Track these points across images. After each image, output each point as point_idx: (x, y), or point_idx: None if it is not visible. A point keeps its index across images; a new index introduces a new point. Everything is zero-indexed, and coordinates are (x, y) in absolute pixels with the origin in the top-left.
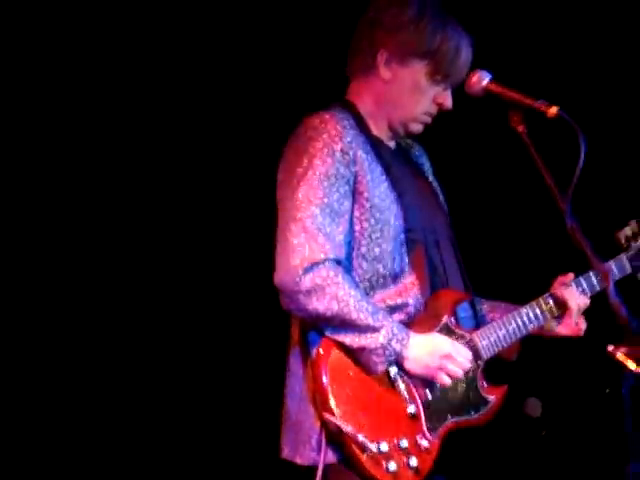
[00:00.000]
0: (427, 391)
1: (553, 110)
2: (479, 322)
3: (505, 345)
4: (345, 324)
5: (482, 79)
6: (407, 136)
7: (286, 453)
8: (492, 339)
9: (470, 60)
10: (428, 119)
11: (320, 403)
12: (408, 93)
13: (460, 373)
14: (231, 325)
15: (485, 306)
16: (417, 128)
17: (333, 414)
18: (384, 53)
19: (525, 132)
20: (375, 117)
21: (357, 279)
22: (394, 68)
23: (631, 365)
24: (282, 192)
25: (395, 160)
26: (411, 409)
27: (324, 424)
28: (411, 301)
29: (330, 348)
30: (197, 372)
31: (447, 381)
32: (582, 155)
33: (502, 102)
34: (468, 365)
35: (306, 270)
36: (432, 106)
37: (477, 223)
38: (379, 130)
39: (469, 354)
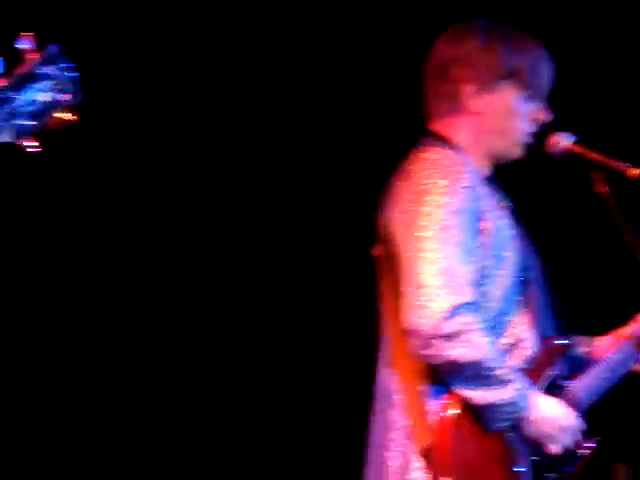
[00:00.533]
0: (535, 452)
1: (635, 172)
2: (576, 364)
3: (606, 390)
4: (478, 375)
5: (562, 140)
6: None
7: None
8: (594, 387)
9: (551, 67)
10: (529, 139)
11: (440, 464)
12: (505, 118)
13: (571, 446)
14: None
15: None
16: (519, 152)
17: (452, 477)
18: (467, 87)
19: (608, 193)
20: (474, 152)
21: (490, 323)
22: (484, 98)
23: None
24: (406, 232)
25: (497, 197)
26: (520, 467)
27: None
28: (528, 344)
29: (455, 404)
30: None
31: (558, 451)
32: None
33: (584, 162)
34: (579, 438)
35: (450, 314)
36: (530, 124)
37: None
38: (480, 164)
39: (582, 426)
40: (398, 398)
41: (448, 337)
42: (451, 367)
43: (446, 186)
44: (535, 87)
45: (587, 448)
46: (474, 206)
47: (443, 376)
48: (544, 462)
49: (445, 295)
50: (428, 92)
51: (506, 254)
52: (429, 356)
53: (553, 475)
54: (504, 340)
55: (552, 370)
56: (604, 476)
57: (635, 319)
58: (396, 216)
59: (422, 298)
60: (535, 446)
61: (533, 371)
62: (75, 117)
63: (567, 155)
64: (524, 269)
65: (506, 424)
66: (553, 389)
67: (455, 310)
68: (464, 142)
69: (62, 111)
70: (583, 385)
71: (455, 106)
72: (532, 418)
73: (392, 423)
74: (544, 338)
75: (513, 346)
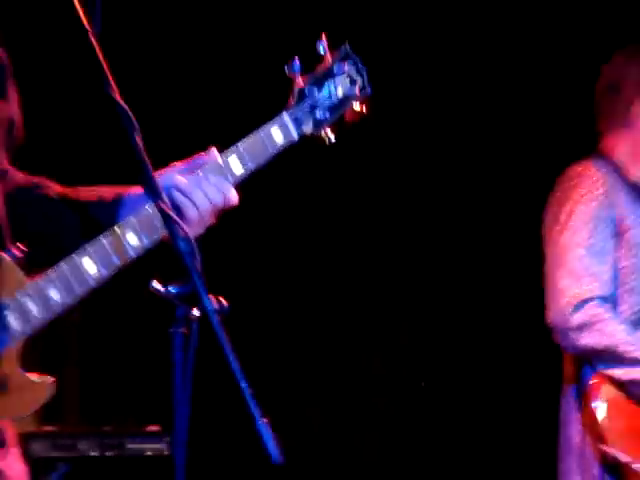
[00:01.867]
0: None
1: None
2: None
3: None
4: (615, 358)
5: None
6: None
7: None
8: None
9: None
10: None
11: (596, 435)
12: None
13: None
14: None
15: None
16: None
17: (609, 446)
18: (638, 106)
19: None
20: (633, 164)
21: (625, 313)
22: None
23: None
24: (548, 238)
25: None
26: None
27: (603, 455)
28: None
29: (602, 383)
30: None
31: None
32: None
33: None
34: None
35: (575, 308)
36: None
37: None
38: (636, 176)
39: None
40: (568, 383)
41: (578, 328)
42: (588, 354)
43: (582, 195)
44: None
45: None
46: (608, 212)
47: (588, 360)
48: None
49: (571, 292)
50: (601, 107)
51: None
52: (566, 346)
53: None
54: None
55: None
56: None
57: None
58: (544, 222)
59: (553, 298)
60: None
61: None
62: (367, 110)
63: None
64: None
65: None
66: None
67: (581, 304)
68: (624, 156)
69: (356, 104)
70: None
71: (623, 120)
72: None
73: (567, 405)
74: None
75: None
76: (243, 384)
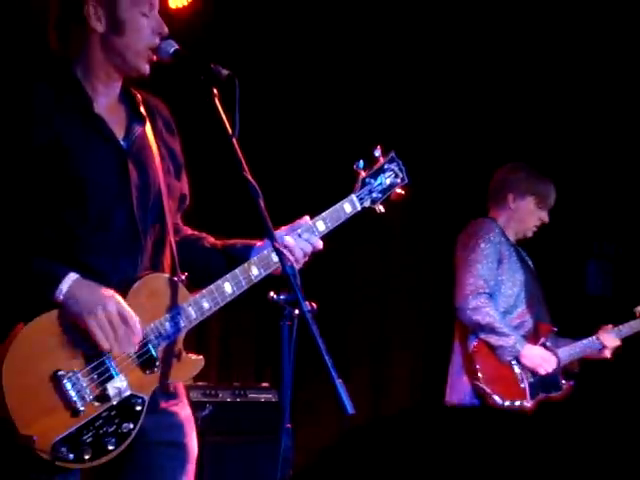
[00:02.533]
0: (530, 374)
1: None
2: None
3: (568, 360)
4: (492, 330)
5: None
6: (519, 241)
7: (449, 399)
8: (567, 355)
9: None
10: (535, 230)
11: (472, 375)
12: (529, 216)
13: (549, 369)
14: None
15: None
16: (530, 235)
17: (480, 382)
18: (511, 195)
19: None
20: (506, 227)
21: (500, 307)
22: (518, 203)
23: None
24: (459, 255)
25: (517, 252)
26: (522, 385)
27: (474, 386)
28: (527, 324)
29: (481, 344)
30: None
31: (543, 372)
32: None
33: None
34: (554, 366)
35: (472, 297)
36: (538, 222)
37: None
38: (508, 234)
39: (555, 361)
40: (457, 344)
41: (473, 309)
42: (477, 325)
43: (482, 237)
44: (548, 204)
45: (567, 382)
46: (495, 248)
47: (475, 330)
48: (538, 383)
49: (471, 287)
50: (490, 190)
51: (515, 277)
52: (463, 319)
53: (544, 393)
54: (515, 319)
55: (544, 340)
56: None
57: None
58: (457, 246)
59: (460, 289)
60: (531, 372)
61: (531, 338)
62: (405, 193)
63: None
64: (526, 284)
65: (510, 357)
66: (544, 347)
67: (477, 295)
68: (503, 223)
69: (398, 189)
70: (562, 351)
71: (502, 204)
72: (525, 354)
73: (455, 355)
74: (538, 322)
75: (520, 323)
76: (325, 355)
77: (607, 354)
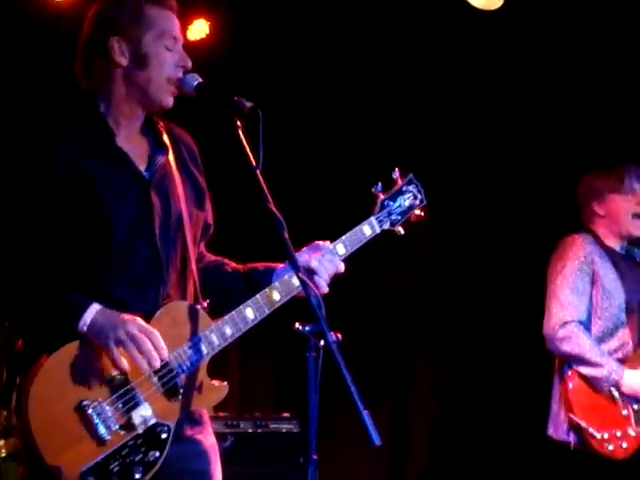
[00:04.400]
0: (634, 403)
1: None
2: None
3: None
4: (583, 360)
5: None
6: (630, 240)
7: (550, 432)
8: None
9: None
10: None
11: (567, 406)
12: (620, 213)
13: None
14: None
15: None
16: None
17: (575, 414)
18: (595, 204)
19: None
20: (606, 236)
21: (594, 332)
22: (604, 207)
23: None
24: (550, 280)
25: (622, 260)
26: (624, 412)
27: (569, 420)
28: (628, 346)
29: (574, 375)
30: None
31: None
32: None
33: None
34: None
35: (560, 326)
36: (635, 214)
37: None
38: (611, 242)
39: None
40: (555, 375)
41: (561, 340)
42: (566, 356)
43: (571, 257)
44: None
45: None
46: (587, 268)
47: (567, 360)
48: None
49: (558, 316)
50: (581, 206)
51: (612, 295)
52: (553, 350)
53: None
54: (615, 342)
55: None
56: None
57: None
58: (549, 270)
59: (548, 318)
60: (635, 399)
61: (633, 361)
62: (424, 214)
63: None
64: (627, 302)
65: (607, 388)
66: None
67: (564, 324)
68: (600, 232)
69: (417, 210)
70: None
71: (592, 213)
72: (626, 383)
73: (555, 386)
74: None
75: (620, 346)
76: (351, 386)
77: None
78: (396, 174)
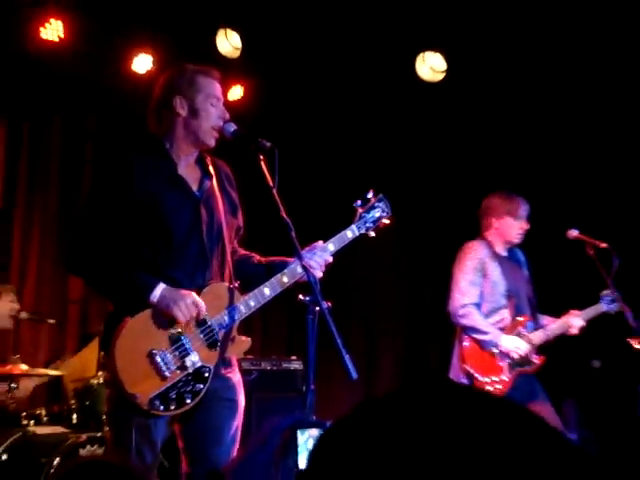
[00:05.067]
0: (507, 358)
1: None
2: (537, 328)
3: (542, 341)
4: (475, 330)
5: (574, 232)
6: (511, 247)
7: (451, 376)
8: (541, 338)
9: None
10: (520, 235)
11: (462, 359)
12: (510, 229)
13: (522, 353)
14: None
15: (542, 319)
16: (518, 241)
17: (467, 364)
18: (493, 219)
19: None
20: (496, 243)
21: (484, 310)
22: (499, 222)
23: None
24: (454, 272)
25: (505, 261)
26: (501, 364)
27: (463, 368)
28: (506, 320)
29: (469, 339)
30: None
31: (516, 357)
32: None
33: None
34: (525, 351)
35: (461, 307)
36: (520, 230)
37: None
38: (499, 248)
39: (526, 346)
40: (456, 340)
41: (461, 316)
42: (465, 327)
43: (469, 257)
44: (521, 216)
45: (538, 357)
46: (479, 266)
47: (465, 330)
48: (514, 361)
49: (459, 300)
50: (479, 216)
51: (497, 286)
52: (456, 323)
53: (520, 367)
54: (497, 317)
55: (520, 329)
56: (556, 410)
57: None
58: (454, 264)
59: (452, 300)
60: (509, 356)
61: (508, 330)
62: (390, 223)
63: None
64: (507, 290)
65: (490, 346)
66: (517, 335)
67: (464, 306)
68: (490, 239)
69: (385, 220)
70: (535, 335)
71: (488, 225)
72: (503, 344)
73: (455, 347)
74: (518, 315)
75: (500, 320)
76: (337, 338)
77: (574, 332)
78: (370, 194)
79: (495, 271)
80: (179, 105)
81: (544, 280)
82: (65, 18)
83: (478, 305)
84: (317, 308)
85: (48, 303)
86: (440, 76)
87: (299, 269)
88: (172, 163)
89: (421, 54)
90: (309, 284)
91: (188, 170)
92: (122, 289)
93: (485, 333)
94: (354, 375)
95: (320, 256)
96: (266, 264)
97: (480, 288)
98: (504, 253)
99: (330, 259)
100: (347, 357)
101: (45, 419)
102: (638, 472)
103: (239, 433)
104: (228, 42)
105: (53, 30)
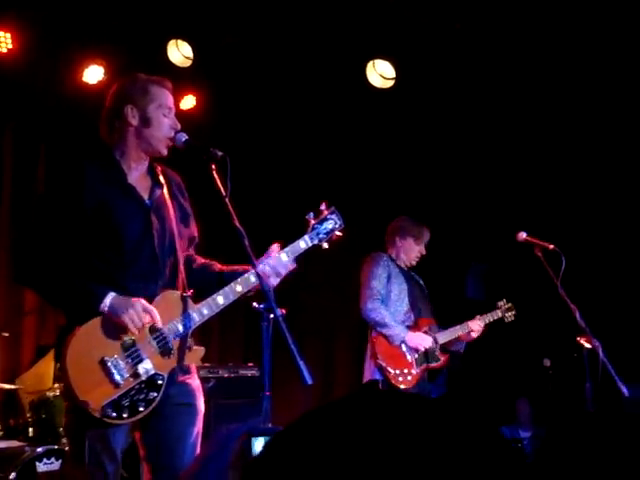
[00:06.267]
0: (415, 353)
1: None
2: (439, 330)
3: (446, 340)
4: (384, 325)
5: (523, 234)
6: (410, 268)
7: (364, 378)
8: (444, 337)
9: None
10: (418, 259)
11: (374, 355)
12: (410, 250)
13: (427, 345)
14: None
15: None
16: (414, 264)
17: (379, 360)
18: (397, 238)
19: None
20: (398, 258)
21: (391, 309)
22: (402, 242)
23: None
24: (362, 275)
25: (406, 273)
26: (409, 358)
27: (376, 363)
28: (411, 318)
29: (379, 335)
30: None
31: (422, 349)
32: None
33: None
34: (430, 344)
35: (370, 302)
36: (419, 254)
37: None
38: (399, 262)
39: (431, 340)
40: (369, 333)
41: (370, 310)
42: (374, 322)
43: (375, 264)
44: (423, 240)
45: (443, 354)
46: (385, 271)
47: (374, 326)
48: (421, 357)
49: (369, 297)
50: (386, 238)
51: (400, 292)
52: (366, 319)
53: (426, 363)
54: (402, 316)
55: (423, 328)
56: (509, 411)
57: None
58: (361, 272)
59: (362, 298)
60: (415, 350)
61: (413, 328)
62: (342, 234)
63: (525, 242)
64: (409, 292)
65: (398, 342)
66: (424, 333)
67: (373, 301)
68: (394, 255)
69: (338, 232)
70: (440, 335)
71: (391, 241)
72: (408, 339)
73: (367, 347)
74: (420, 317)
75: (405, 318)
76: (292, 344)
77: (474, 336)
78: (323, 206)
79: (399, 277)
80: (130, 114)
81: (495, 281)
82: (13, 30)
83: (385, 304)
84: (271, 316)
85: (3, 315)
86: (390, 83)
87: (252, 278)
88: (122, 173)
89: (371, 61)
90: (263, 292)
91: (139, 179)
92: (72, 299)
93: (392, 327)
94: (309, 381)
95: (272, 266)
96: (227, 272)
97: (387, 290)
98: (405, 267)
99: (292, 266)
100: (302, 363)
101: (0, 433)
102: (583, 467)
103: (199, 439)
104: (179, 52)
105: (1, 42)
